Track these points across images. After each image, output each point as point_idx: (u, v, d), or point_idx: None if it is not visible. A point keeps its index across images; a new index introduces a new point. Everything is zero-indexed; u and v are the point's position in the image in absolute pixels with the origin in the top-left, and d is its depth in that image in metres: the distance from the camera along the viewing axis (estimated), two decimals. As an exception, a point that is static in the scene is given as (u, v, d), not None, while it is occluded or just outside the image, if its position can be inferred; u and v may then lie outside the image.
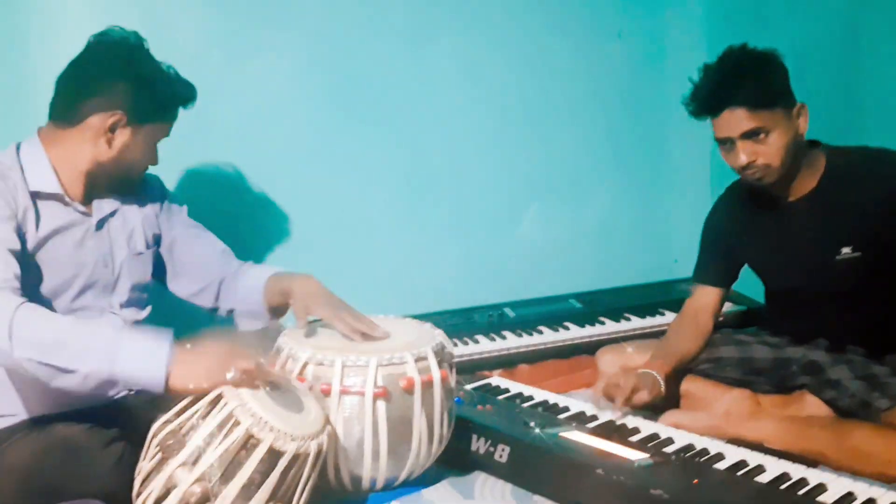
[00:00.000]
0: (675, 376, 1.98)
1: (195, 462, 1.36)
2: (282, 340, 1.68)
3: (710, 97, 1.86)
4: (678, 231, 2.94)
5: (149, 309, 1.84)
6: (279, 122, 2.37)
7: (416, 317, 2.48)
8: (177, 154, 1.88)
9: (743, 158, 1.84)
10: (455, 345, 2.37)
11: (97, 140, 1.63)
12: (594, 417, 1.88)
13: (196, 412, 1.42)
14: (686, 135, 2.93)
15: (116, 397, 1.64)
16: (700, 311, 2.11)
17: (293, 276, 1.82)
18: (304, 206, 2.42)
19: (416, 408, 1.59)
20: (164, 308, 1.86)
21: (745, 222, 2.05)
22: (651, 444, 1.71)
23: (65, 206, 1.65)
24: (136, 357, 1.38)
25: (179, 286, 1.91)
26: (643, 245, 2.93)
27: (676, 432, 1.77)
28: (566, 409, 1.95)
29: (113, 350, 1.38)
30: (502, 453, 1.72)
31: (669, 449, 1.68)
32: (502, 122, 2.70)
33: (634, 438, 1.74)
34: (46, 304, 1.61)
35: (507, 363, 2.39)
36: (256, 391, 1.42)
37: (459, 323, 2.50)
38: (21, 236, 1.56)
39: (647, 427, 1.81)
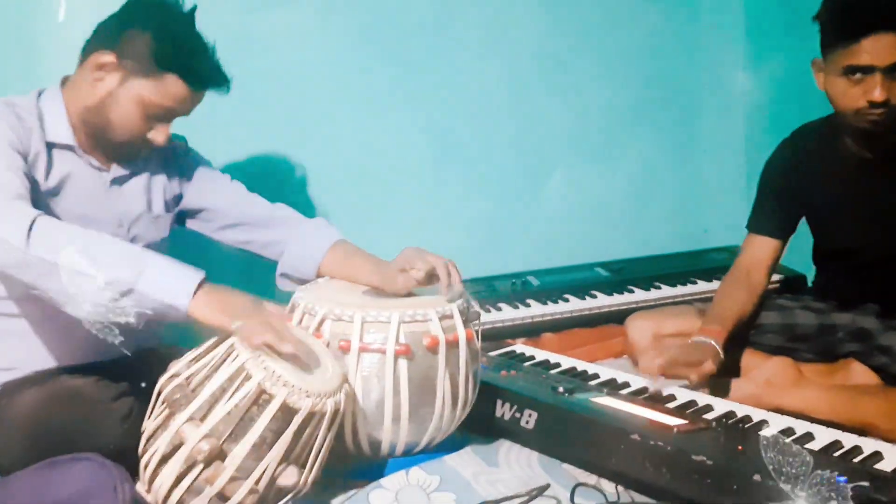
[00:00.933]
0: (730, 342, 1.81)
1: (203, 418, 1.27)
2: (298, 295, 1.58)
3: (857, 15, 1.62)
4: (709, 199, 2.83)
5: None
6: (300, 75, 2.24)
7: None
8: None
9: (878, 94, 1.61)
10: (477, 312, 2.28)
11: (89, 80, 1.52)
12: (626, 384, 1.78)
13: (206, 365, 1.33)
14: (720, 97, 2.83)
15: (123, 348, 1.56)
16: (753, 267, 1.94)
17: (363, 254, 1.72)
18: (320, 164, 2.31)
19: (440, 368, 1.49)
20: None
21: (815, 170, 1.88)
22: (689, 410, 1.61)
23: (78, 158, 1.57)
24: (164, 273, 1.31)
25: (223, 236, 1.80)
26: (673, 213, 2.80)
27: (715, 399, 1.66)
28: (596, 375, 1.84)
29: (141, 262, 1.31)
30: (529, 419, 1.62)
31: (710, 416, 1.58)
32: (529, 79, 2.56)
33: (671, 405, 1.64)
34: None
35: (531, 332, 2.28)
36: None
37: (481, 290, 2.39)
38: (31, 181, 1.47)
39: (683, 394, 1.70)
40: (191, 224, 1.80)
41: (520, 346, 2.09)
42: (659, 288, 2.45)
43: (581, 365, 1.92)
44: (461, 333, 1.52)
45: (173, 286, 1.31)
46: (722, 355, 1.74)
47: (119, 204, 1.63)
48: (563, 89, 2.61)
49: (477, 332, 1.59)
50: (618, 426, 1.49)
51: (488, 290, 2.42)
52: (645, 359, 1.81)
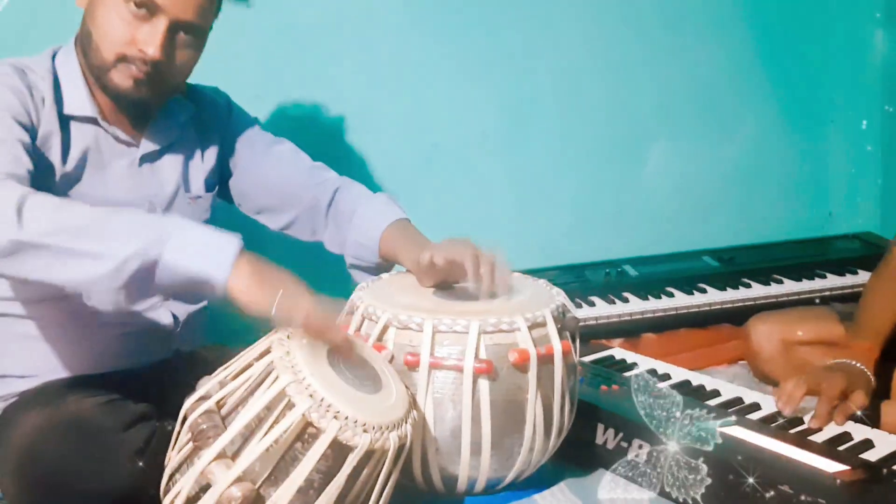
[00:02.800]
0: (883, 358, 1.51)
1: (235, 455, 1.01)
2: (357, 295, 1.31)
3: None
4: (835, 177, 2.45)
5: None
6: (360, 46, 1.97)
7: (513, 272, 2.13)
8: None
9: None
10: (567, 307, 1.97)
11: (79, 3, 1.27)
12: (755, 406, 1.46)
13: (240, 385, 1.07)
14: (847, 63, 2.43)
15: (146, 361, 1.32)
16: None
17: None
18: (387, 147, 2.03)
19: (531, 389, 1.20)
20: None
21: None
22: (843, 447, 1.28)
23: (102, 131, 1.32)
24: (195, 241, 1.04)
25: (267, 218, 1.55)
26: (792, 194, 2.43)
27: (876, 433, 1.33)
28: (716, 393, 1.53)
29: (164, 231, 1.03)
30: (639, 452, 1.31)
31: (870, 455, 1.25)
32: (620, 39, 2.21)
33: (817, 438, 1.31)
34: None
35: (629, 331, 1.97)
36: (317, 363, 1.05)
37: (571, 282, 2.08)
38: (42, 165, 1.23)
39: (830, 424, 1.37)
40: (239, 203, 1.55)
41: (618, 351, 1.78)
42: (780, 282, 2.10)
43: (695, 377, 1.61)
44: (556, 346, 1.22)
45: (206, 256, 1.03)
46: (874, 382, 1.42)
47: (151, 185, 1.38)
48: (662, 50, 2.25)
49: (575, 343, 1.29)
50: (764, 473, 1.16)
51: (578, 280, 2.11)
52: (781, 378, 1.48)
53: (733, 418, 1.33)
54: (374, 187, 1.99)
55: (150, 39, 1.22)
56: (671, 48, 2.27)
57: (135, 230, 1.03)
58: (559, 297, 1.31)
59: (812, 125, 2.44)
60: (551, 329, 1.23)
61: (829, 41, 2.40)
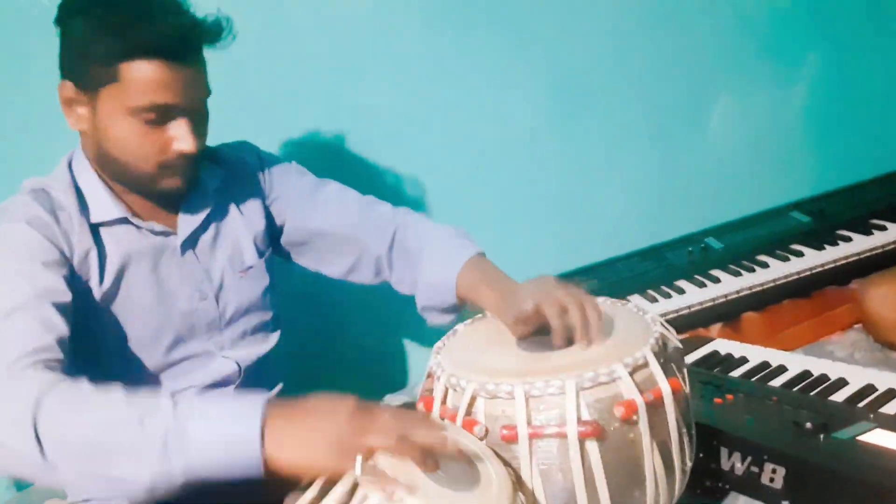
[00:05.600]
0: None
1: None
2: (435, 362, 1.19)
3: None
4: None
5: (277, 334, 1.43)
6: (381, 43, 1.83)
7: (587, 269, 1.99)
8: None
9: None
10: (654, 300, 1.84)
11: (73, 126, 1.20)
12: (891, 394, 1.31)
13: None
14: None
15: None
16: None
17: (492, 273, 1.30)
18: (432, 162, 1.90)
19: (644, 441, 1.07)
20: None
21: None
22: None
23: (137, 229, 1.24)
24: (214, 431, 0.91)
25: (327, 267, 1.46)
26: (876, 122, 2.23)
27: None
28: (842, 383, 1.38)
29: (177, 432, 0.90)
30: (773, 476, 1.18)
31: None
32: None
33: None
34: (134, 364, 1.23)
35: (726, 314, 1.82)
36: (406, 468, 0.95)
37: (652, 269, 1.94)
38: (81, 288, 1.17)
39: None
40: (295, 257, 1.47)
41: (721, 343, 1.64)
42: (883, 228, 1.93)
43: (814, 365, 1.46)
44: (664, 387, 1.09)
45: (231, 452, 0.90)
46: None
47: (197, 271, 1.29)
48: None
49: (683, 375, 1.16)
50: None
51: (660, 264, 1.97)
52: None
53: (872, 423, 1.18)
54: (424, 207, 1.90)
55: (182, 138, 1.16)
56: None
57: (149, 440, 0.89)
58: (655, 324, 1.18)
59: (889, 53, 2.21)
60: (655, 369, 1.10)
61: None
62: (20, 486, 1.60)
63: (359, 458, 0.91)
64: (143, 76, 1.11)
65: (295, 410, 0.93)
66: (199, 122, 1.21)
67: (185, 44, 1.14)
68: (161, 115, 1.15)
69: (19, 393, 0.92)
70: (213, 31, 1.16)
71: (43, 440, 0.89)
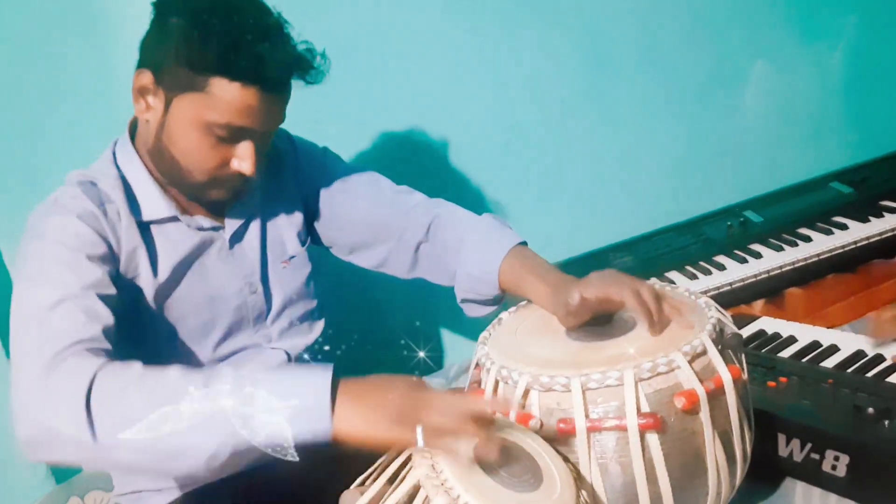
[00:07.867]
0: None
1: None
2: (483, 352, 1.16)
3: None
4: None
5: (322, 323, 1.41)
6: (414, 18, 1.77)
7: (622, 245, 1.95)
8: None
9: None
10: (694, 277, 1.80)
11: (139, 114, 1.16)
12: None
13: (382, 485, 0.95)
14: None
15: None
16: None
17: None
18: (460, 143, 1.85)
19: (706, 432, 1.04)
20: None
21: None
22: None
23: (186, 227, 1.22)
24: (284, 402, 0.90)
25: (359, 257, 1.44)
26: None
27: None
28: (899, 363, 1.34)
29: (245, 398, 0.90)
30: (836, 463, 1.15)
31: None
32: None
33: None
34: (184, 361, 1.21)
35: (769, 290, 1.78)
36: (468, 470, 0.92)
37: (690, 244, 1.90)
38: (129, 284, 1.15)
39: None
40: (329, 245, 1.45)
41: (767, 321, 1.60)
42: (930, 198, 1.87)
43: (866, 346, 1.41)
44: (725, 375, 1.06)
45: (304, 406, 0.90)
46: None
47: (245, 264, 1.28)
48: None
49: (741, 360, 1.12)
50: None
51: (698, 239, 1.92)
52: None
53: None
54: (457, 182, 1.86)
55: (244, 159, 1.14)
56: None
57: (213, 409, 0.90)
58: (711, 310, 1.14)
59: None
60: (714, 356, 1.07)
61: None
62: (59, 478, 1.59)
63: (419, 430, 0.89)
64: (232, 97, 1.08)
65: (361, 384, 0.93)
66: (264, 146, 1.18)
67: (283, 77, 1.11)
68: (233, 135, 1.12)
69: (69, 378, 0.92)
70: (311, 70, 1.14)
71: (96, 421, 0.89)
